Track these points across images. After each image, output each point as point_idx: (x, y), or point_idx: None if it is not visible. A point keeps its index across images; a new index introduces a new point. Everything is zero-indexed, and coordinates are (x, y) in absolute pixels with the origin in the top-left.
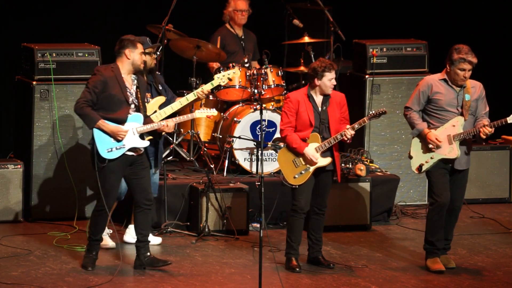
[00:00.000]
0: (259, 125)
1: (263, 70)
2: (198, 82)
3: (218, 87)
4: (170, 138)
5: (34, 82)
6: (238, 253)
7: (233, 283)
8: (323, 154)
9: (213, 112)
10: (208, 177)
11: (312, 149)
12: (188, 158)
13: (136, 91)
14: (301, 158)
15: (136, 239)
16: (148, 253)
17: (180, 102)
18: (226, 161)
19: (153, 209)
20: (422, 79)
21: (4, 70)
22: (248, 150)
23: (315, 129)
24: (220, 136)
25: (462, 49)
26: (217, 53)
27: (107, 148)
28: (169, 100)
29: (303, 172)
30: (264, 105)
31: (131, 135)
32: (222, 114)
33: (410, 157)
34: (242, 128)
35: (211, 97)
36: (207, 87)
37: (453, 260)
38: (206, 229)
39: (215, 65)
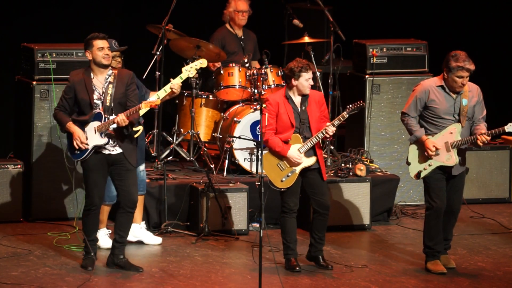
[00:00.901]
0: (259, 125)
1: (263, 70)
2: (198, 82)
3: (218, 87)
4: (170, 138)
5: (34, 82)
6: (238, 253)
7: (233, 283)
8: (307, 153)
9: (156, 101)
10: (208, 177)
11: (295, 151)
12: (188, 158)
13: (107, 87)
14: (285, 161)
15: (114, 239)
16: (122, 256)
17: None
18: (226, 161)
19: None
20: (419, 82)
21: (4, 70)
22: (248, 150)
23: (296, 129)
24: (220, 136)
25: (459, 56)
26: (217, 53)
27: (75, 150)
28: (143, 96)
29: (289, 174)
30: (264, 105)
31: (93, 134)
32: (222, 114)
33: (408, 164)
34: (242, 128)
35: (211, 97)
36: (176, 81)
37: (453, 260)
38: (206, 229)
39: (217, 65)
